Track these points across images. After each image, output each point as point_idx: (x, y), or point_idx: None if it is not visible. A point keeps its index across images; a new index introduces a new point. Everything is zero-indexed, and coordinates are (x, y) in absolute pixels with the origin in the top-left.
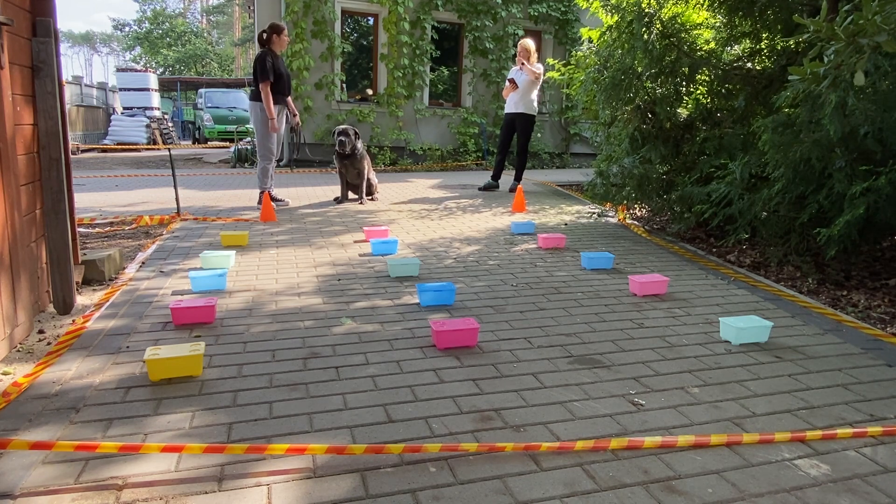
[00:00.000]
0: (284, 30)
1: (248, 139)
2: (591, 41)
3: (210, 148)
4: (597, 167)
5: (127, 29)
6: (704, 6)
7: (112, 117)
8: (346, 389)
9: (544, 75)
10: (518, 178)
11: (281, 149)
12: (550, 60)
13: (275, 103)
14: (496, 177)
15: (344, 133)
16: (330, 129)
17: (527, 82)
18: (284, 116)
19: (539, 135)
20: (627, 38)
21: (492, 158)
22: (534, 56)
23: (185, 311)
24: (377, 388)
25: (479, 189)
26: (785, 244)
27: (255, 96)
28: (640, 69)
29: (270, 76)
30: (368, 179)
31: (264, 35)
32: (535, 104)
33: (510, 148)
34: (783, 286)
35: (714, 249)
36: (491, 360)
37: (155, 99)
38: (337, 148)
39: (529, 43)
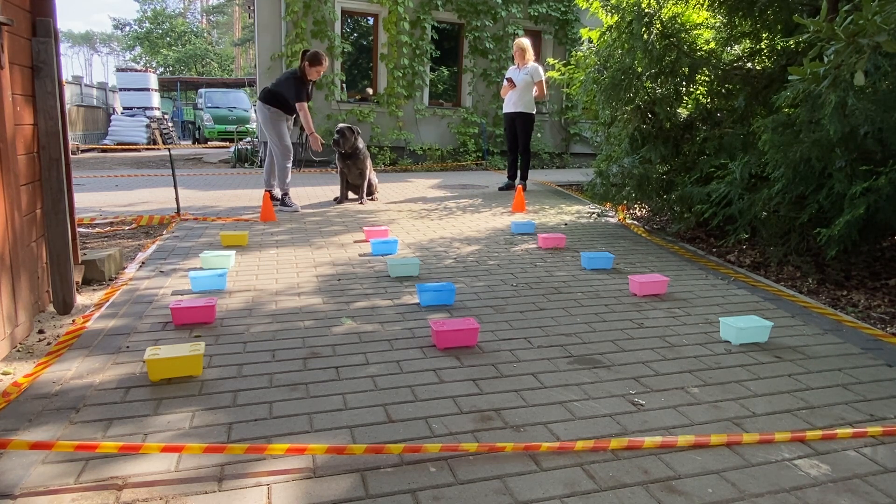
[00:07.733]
0: (323, 61)
1: (249, 139)
2: (591, 41)
3: (210, 148)
4: (597, 167)
5: (127, 29)
6: (704, 6)
7: (112, 117)
8: (346, 389)
9: (545, 75)
10: (524, 177)
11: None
12: (550, 60)
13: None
14: (512, 176)
15: (340, 132)
16: (330, 129)
17: (524, 81)
18: (291, 120)
19: (539, 135)
20: (627, 39)
21: (491, 158)
22: (529, 54)
23: (185, 311)
24: (377, 388)
25: (500, 189)
26: (785, 244)
27: (266, 98)
28: (639, 69)
29: (305, 97)
30: (369, 179)
31: (304, 61)
32: (534, 102)
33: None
34: (783, 286)
35: (714, 249)
36: (491, 360)
37: (155, 99)
38: (333, 146)
39: (525, 42)
